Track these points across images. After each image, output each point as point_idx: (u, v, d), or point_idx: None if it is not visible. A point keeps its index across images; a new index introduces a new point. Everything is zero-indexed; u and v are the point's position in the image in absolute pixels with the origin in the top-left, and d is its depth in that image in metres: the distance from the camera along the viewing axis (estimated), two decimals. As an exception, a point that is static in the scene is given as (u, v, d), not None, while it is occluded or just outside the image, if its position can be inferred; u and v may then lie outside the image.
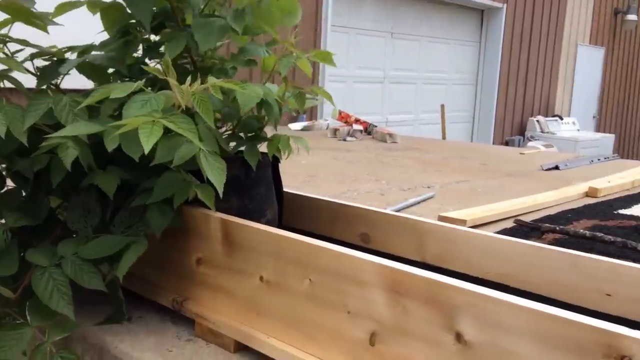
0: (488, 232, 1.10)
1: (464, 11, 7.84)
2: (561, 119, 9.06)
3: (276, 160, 1.21)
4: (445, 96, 7.68)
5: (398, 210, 2.25)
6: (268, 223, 1.15)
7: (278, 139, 1.10)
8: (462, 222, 2.06)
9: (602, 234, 1.86)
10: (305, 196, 1.37)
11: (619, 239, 1.79)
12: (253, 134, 1.14)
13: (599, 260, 0.97)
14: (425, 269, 1.17)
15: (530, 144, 8.52)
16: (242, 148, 1.13)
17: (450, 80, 7.82)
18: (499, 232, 2.07)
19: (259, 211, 1.14)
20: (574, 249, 1.81)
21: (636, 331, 0.66)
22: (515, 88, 8.52)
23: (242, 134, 1.15)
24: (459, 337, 0.78)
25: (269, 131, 1.18)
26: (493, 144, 8.21)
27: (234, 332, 1.05)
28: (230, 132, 1.16)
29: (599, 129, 10.38)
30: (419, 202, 2.50)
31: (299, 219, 1.37)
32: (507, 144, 8.58)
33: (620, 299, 0.94)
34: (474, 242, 1.10)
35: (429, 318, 0.81)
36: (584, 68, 9.78)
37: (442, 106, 6.13)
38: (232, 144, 1.16)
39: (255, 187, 1.13)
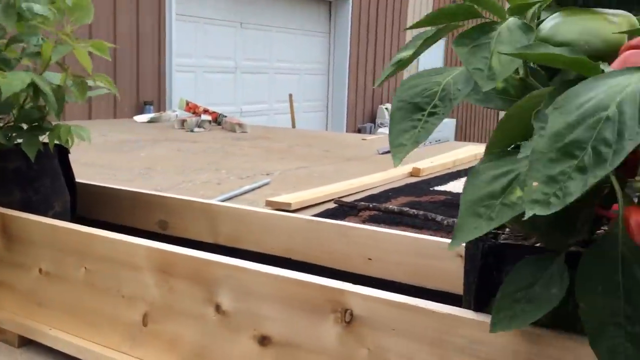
0: (273, 211, 1.18)
1: (313, 3, 8.05)
2: (407, 105, 9.59)
3: (65, 150, 1.20)
4: (298, 86, 7.85)
5: (225, 200, 2.29)
6: (56, 215, 1.14)
7: (59, 129, 1.09)
8: (287, 205, 2.15)
9: (408, 209, 2.03)
10: (104, 186, 1.36)
11: (421, 212, 1.97)
12: (35, 124, 1.12)
13: (364, 229, 1.07)
14: (219, 251, 1.22)
15: (380, 130, 8.97)
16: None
17: (302, 70, 8.00)
18: (321, 213, 2.19)
19: (46, 203, 1.12)
20: (385, 224, 1.97)
21: (354, 286, 0.74)
22: (365, 77, 8.91)
23: (23, 125, 1.13)
24: (218, 308, 0.84)
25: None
26: (346, 131, 8.54)
27: (16, 326, 1.03)
28: (11, 123, 1.13)
29: (442, 114, 11.11)
30: (253, 189, 2.56)
31: (100, 210, 1.36)
32: (359, 131, 8.95)
33: (380, 263, 1.05)
34: (261, 221, 1.17)
35: (193, 293, 0.86)
36: (426, 57, 10.43)
37: (290, 95, 6.27)
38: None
39: (40, 178, 1.11)
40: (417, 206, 2.21)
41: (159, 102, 5.86)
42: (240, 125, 4.98)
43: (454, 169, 3.36)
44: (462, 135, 11.01)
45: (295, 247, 1.12)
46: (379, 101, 9.36)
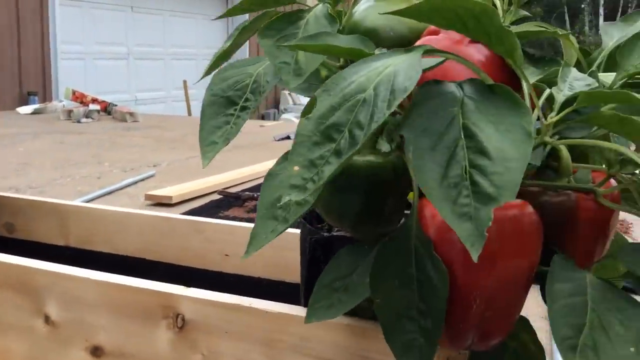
0: (126, 209, 1.12)
1: (208, -14, 7.86)
2: (309, 90, 9.62)
3: None
4: (196, 72, 7.66)
5: (102, 195, 2.18)
6: None
7: None
8: (168, 198, 2.08)
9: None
10: (-57, 189, 1.25)
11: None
12: None
13: (220, 225, 1.04)
14: (69, 253, 1.14)
15: (284, 116, 8.95)
16: None
17: (199, 56, 7.81)
18: (205, 205, 2.14)
19: None
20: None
21: (185, 289, 0.71)
22: (265, 62, 8.81)
23: None
24: (47, 319, 0.78)
25: None
26: (250, 118, 8.45)
27: None
28: None
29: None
30: (135, 183, 2.46)
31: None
32: (263, 117, 8.89)
33: (237, 258, 1.02)
34: (114, 219, 1.11)
35: (20, 304, 0.79)
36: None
37: (185, 82, 6.11)
38: None
39: None
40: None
41: (44, 93, 5.53)
42: (131, 114, 4.80)
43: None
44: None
45: (150, 246, 1.07)
46: (281, 87, 9.32)
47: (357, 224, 0.56)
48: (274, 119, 8.49)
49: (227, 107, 0.60)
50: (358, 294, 0.56)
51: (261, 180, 2.47)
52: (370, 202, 0.54)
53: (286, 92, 9.29)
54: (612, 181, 0.52)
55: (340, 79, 0.42)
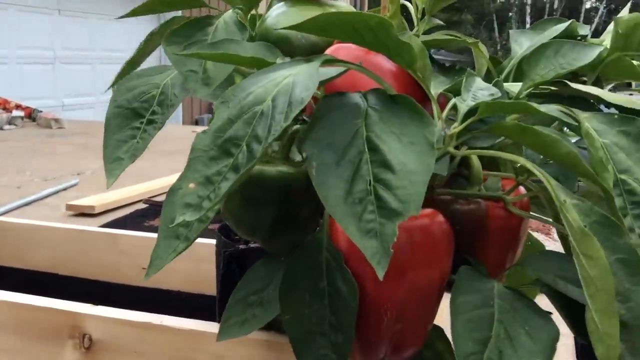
0: (37, 222, 1.06)
1: (138, -11, 7.67)
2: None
3: None
4: (127, 77, 7.43)
5: (19, 207, 2.07)
6: None
7: None
8: (91, 208, 2.00)
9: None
10: None
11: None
12: None
13: (136, 237, 1.00)
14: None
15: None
16: None
17: (130, 60, 7.61)
18: (130, 214, 2.07)
19: None
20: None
21: (92, 307, 0.67)
22: (198, 67, 8.67)
23: None
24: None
25: None
26: (183, 123, 8.27)
27: None
28: None
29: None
30: (56, 192, 2.35)
31: None
32: (197, 122, 8.72)
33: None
34: (24, 233, 1.05)
35: None
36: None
37: (114, 87, 5.93)
38: None
39: None
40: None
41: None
42: (56, 120, 4.61)
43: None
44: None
45: (63, 261, 1.02)
46: (215, 92, 9.18)
47: (270, 236, 0.54)
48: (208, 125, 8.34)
49: (133, 119, 0.57)
50: (273, 309, 0.54)
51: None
52: (284, 213, 0.52)
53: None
54: (522, 188, 0.52)
55: (238, 89, 0.40)
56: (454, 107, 0.45)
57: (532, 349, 0.38)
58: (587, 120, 0.41)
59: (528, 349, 0.38)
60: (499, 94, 0.43)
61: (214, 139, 0.38)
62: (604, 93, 0.46)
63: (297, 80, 0.38)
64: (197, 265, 0.96)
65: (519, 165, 0.49)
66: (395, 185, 0.35)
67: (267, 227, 0.53)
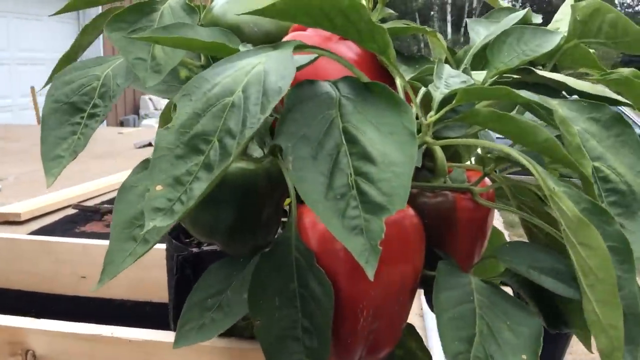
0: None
1: (55, -15, 7.34)
2: (171, 95, 9.32)
3: None
4: (46, 77, 7.10)
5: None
6: None
7: None
8: (16, 215, 1.88)
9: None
10: None
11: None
12: None
13: (74, 244, 0.94)
14: None
15: (144, 122, 8.56)
16: None
17: (48, 60, 7.25)
18: (59, 221, 1.96)
19: None
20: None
21: (35, 321, 0.62)
22: (122, 66, 8.39)
23: None
24: None
25: None
26: (107, 125, 7.98)
27: None
28: None
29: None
30: (-24, 200, 2.20)
31: None
32: (122, 124, 8.44)
33: (95, 280, 0.93)
34: (-53, 245, 0.96)
35: None
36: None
37: (32, 89, 5.65)
38: None
39: None
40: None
41: None
42: (-30, 124, 4.33)
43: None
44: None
45: (-8, 273, 0.94)
46: (141, 91, 8.93)
47: (230, 238, 0.51)
48: (134, 126, 8.11)
49: (73, 114, 0.53)
50: (234, 313, 0.51)
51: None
52: (244, 213, 0.50)
53: (146, 96, 8.92)
54: (486, 180, 0.52)
55: (202, 80, 0.37)
56: (425, 96, 0.44)
57: (516, 343, 0.37)
58: (559, 106, 0.41)
59: (512, 345, 0.37)
60: (471, 81, 0.42)
61: (179, 135, 0.35)
62: (569, 80, 0.46)
63: (269, 68, 0.35)
64: (141, 271, 0.91)
65: (487, 155, 0.48)
66: (378, 178, 0.33)
67: (226, 228, 0.50)
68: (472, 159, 0.55)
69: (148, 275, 0.91)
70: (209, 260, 0.60)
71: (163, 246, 0.94)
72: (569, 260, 0.45)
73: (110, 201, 2.17)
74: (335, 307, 0.43)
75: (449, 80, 0.42)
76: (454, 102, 0.40)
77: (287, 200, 0.55)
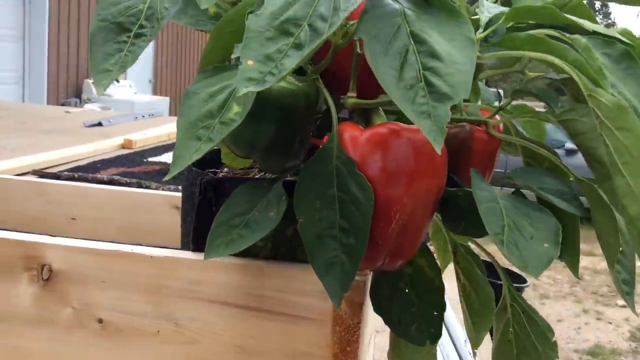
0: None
1: (1, -43, 7.06)
2: (117, 81, 9.12)
3: None
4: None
5: None
6: None
7: None
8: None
9: (120, 178, 1.90)
10: None
11: (134, 181, 1.86)
12: None
13: (64, 185, 0.95)
14: None
15: (87, 106, 8.33)
16: None
17: (-11, 35, 6.99)
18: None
19: None
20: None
21: (54, 237, 0.64)
22: (68, 46, 8.15)
23: None
24: None
25: None
26: (48, 104, 7.73)
27: None
28: None
29: (155, 92, 10.87)
30: None
31: None
32: (63, 106, 8.19)
33: (86, 222, 0.94)
34: None
35: None
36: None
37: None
38: None
39: None
40: (129, 176, 2.08)
41: None
42: None
43: (169, 142, 3.28)
44: (177, 112, 10.89)
45: (-21, 211, 0.94)
46: (84, 74, 8.68)
47: (267, 154, 0.55)
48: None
49: (119, 33, 0.55)
50: (260, 229, 0.55)
51: (78, 164, 2.26)
52: (283, 129, 0.54)
53: (89, 81, 8.67)
54: (497, 116, 0.58)
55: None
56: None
57: (538, 237, 0.44)
58: (581, 38, 0.47)
59: (535, 237, 0.44)
60: (506, 10, 0.48)
61: (270, 20, 0.39)
62: (585, 22, 0.52)
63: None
64: (131, 215, 0.93)
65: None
66: (444, 72, 0.38)
67: (264, 145, 0.55)
68: (479, 101, 0.62)
69: (137, 219, 0.93)
70: (230, 186, 0.64)
71: (153, 192, 0.97)
72: (571, 184, 0.51)
73: (71, 169, 2.14)
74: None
75: (489, 9, 0.48)
76: (501, 20, 0.46)
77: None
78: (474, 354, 0.71)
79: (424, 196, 0.50)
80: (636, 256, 0.54)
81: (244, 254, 0.63)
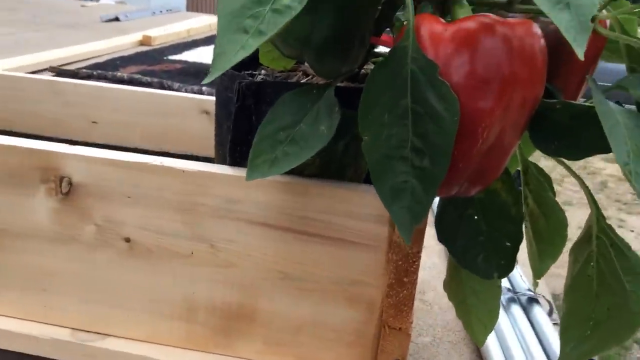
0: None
1: None
2: (133, -26, 8.76)
3: None
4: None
5: None
6: None
7: None
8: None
9: (141, 76, 1.80)
10: None
11: (156, 80, 1.76)
12: None
13: (83, 85, 0.86)
14: None
15: (103, 1, 8.07)
16: None
17: None
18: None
19: None
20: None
21: (72, 147, 0.56)
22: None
23: None
24: None
25: None
26: None
27: None
28: None
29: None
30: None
31: None
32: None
33: (108, 126, 0.86)
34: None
35: None
36: None
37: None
38: None
39: None
40: (150, 75, 1.99)
41: None
42: None
43: (189, 39, 3.14)
44: (194, 6, 10.54)
45: (-8, 111, 0.87)
46: (100, -33, 8.34)
47: (322, 52, 0.46)
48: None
49: None
50: (309, 146, 0.47)
51: (96, 61, 2.17)
52: (342, 23, 0.44)
53: (106, -26, 8.35)
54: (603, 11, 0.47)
55: None
56: None
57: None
58: None
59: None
60: None
61: None
62: None
63: None
64: (158, 120, 0.85)
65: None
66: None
67: (322, 39, 0.45)
68: None
69: (165, 122, 0.85)
70: (272, 92, 0.55)
71: (177, 94, 0.88)
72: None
73: (89, 67, 2.05)
74: (454, 126, 0.39)
75: None
76: None
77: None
78: (536, 284, 0.64)
79: (518, 110, 0.41)
80: None
81: (290, 172, 0.55)
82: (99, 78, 1.82)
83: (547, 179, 0.58)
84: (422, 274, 0.88)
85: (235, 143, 0.56)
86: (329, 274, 0.55)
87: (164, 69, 2.20)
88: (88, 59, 2.28)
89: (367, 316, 0.56)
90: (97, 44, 2.48)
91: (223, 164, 0.57)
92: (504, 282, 0.85)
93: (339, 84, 0.50)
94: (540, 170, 0.58)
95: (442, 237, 0.51)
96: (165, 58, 2.45)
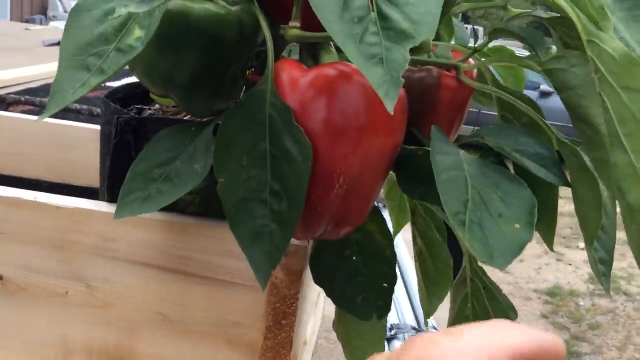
0: None
1: None
2: None
3: None
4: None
5: None
6: None
7: None
8: None
9: (70, 103, 1.77)
10: None
11: (85, 107, 1.73)
12: None
13: (-17, 114, 0.83)
14: None
15: (52, 23, 7.94)
16: None
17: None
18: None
19: None
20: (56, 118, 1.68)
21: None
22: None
23: None
24: None
25: None
26: (11, 19, 7.35)
27: None
28: None
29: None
30: None
31: None
32: (27, 22, 7.80)
33: (7, 156, 0.84)
34: None
35: None
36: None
37: None
38: None
39: None
40: (84, 102, 1.95)
41: None
42: None
43: (131, 66, 3.10)
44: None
45: None
46: (50, -10, 8.25)
47: (189, 92, 0.45)
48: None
49: None
50: (183, 184, 0.46)
51: (30, 86, 2.10)
52: (207, 64, 0.44)
53: (57, -3, 8.26)
54: (470, 60, 0.49)
55: None
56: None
57: (508, 214, 0.35)
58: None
59: (504, 214, 0.35)
60: None
61: None
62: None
63: None
64: (61, 151, 0.83)
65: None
66: (403, 2, 0.29)
67: (185, 80, 0.45)
68: (452, 41, 0.52)
69: (67, 155, 0.83)
70: (153, 128, 0.54)
71: (87, 125, 0.86)
72: (552, 146, 0.43)
73: (18, 92, 2.00)
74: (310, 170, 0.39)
75: None
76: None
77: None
78: (426, 323, 0.65)
79: (375, 157, 0.41)
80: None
81: (167, 208, 0.54)
82: (26, 104, 1.77)
83: (435, 219, 0.59)
84: (330, 310, 0.87)
85: (114, 179, 0.54)
86: (209, 315, 0.54)
87: (99, 96, 2.16)
88: (22, 83, 2.23)
89: (248, 358, 0.55)
90: (32, 69, 2.42)
91: (103, 199, 0.56)
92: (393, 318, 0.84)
93: (219, 122, 0.50)
94: (428, 210, 0.59)
95: (318, 279, 0.51)
96: (102, 85, 2.40)
